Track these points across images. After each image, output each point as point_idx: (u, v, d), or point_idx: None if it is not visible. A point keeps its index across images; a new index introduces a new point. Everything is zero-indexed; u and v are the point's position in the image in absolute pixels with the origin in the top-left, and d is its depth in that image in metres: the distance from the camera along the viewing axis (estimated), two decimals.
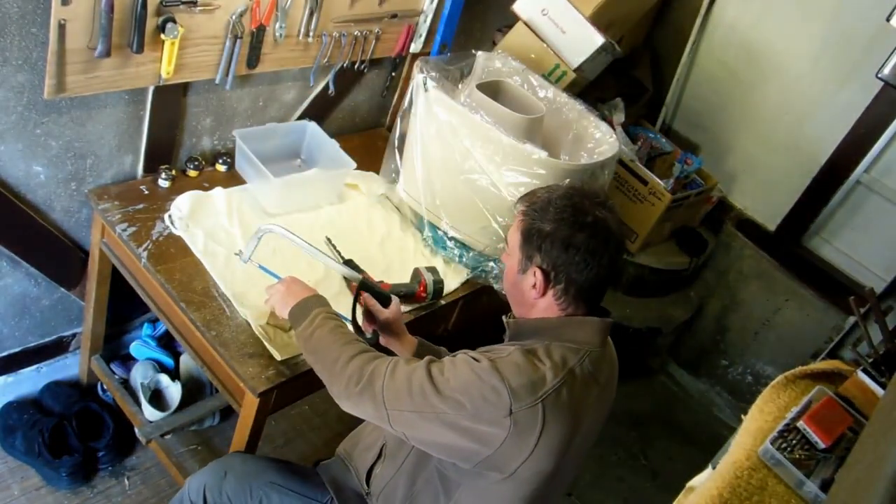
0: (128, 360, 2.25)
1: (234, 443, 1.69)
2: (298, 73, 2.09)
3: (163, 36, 1.59)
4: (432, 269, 1.86)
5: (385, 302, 1.61)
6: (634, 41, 2.92)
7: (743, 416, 1.43)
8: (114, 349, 2.24)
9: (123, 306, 2.13)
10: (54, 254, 1.91)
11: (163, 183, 1.88)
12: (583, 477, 2.65)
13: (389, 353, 1.58)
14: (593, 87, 2.41)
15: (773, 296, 2.95)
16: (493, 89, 1.97)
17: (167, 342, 2.29)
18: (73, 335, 2.16)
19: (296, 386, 1.61)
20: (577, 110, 2.06)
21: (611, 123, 2.22)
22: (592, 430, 1.39)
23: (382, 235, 2.02)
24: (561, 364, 1.27)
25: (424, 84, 1.83)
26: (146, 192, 1.86)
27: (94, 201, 1.79)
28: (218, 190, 1.90)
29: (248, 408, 1.59)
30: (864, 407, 1.42)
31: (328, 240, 1.91)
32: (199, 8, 1.63)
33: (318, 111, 2.25)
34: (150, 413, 2.05)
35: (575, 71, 2.17)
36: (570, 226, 1.30)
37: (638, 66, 2.98)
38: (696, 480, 1.38)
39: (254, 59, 1.84)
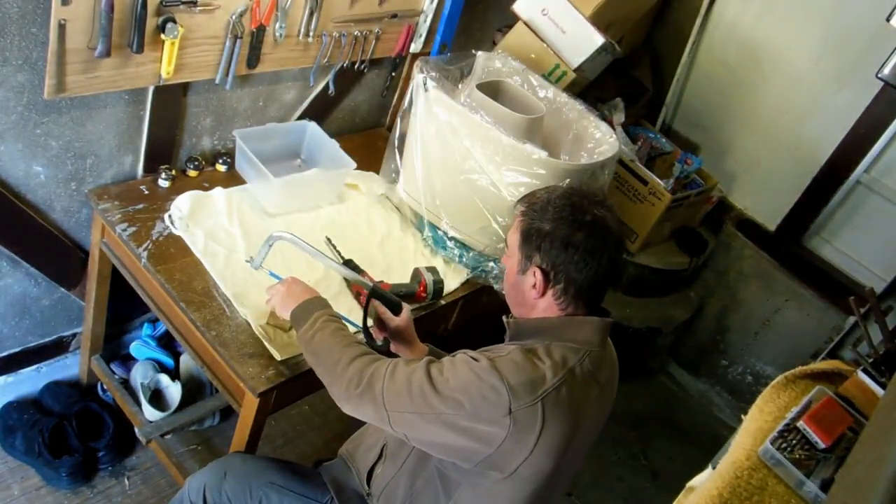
0: (128, 360, 2.25)
1: (234, 443, 1.69)
2: (298, 73, 2.09)
3: (163, 36, 1.59)
4: (432, 269, 1.86)
5: (396, 309, 1.60)
6: (634, 41, 2.92)
7: (743, 416, 1.43)
8: (114, 349, 2.24)
9: (123, 306, 2.13)
10: (54, 254, 1.91)
11: (163, 183, 1.88)
12: (583, 477, 2.65)
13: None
14: (593, 87, 2.41)
15: (773, 296, 2.95)
16: (493, 89, 1.97)
17: (167, 342, 2.29)
18: (73, 335, 2.16)
19: (296, 386, 1.61)
20: (577, 110, 2.06)
21: (611, 123, 2.22)
22: (593, 430, 1.39)
23: (382, 235, 2.02)
24: (561, 363, 1.27)
25: (424, 84, 1.83)
26: (146, 192, 1.86)
27: (94, 201, 1.79)
28: (218, 190, 1.90)
29: (248, 408, 1.59)
30: (864, 407, 1.42)
31: (328, 240, 1.91)
32: (199, 8, 1.63)
33: (318, 111, 2.25)
34: (150, 413, 2.05)
35: (575, 71, 2.17)
36: (568, 225, 1.30)
37: (638, 66, 2.98)
38: (696, 480, 1.38)
39: (254, 59, 1.85)
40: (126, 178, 1.90)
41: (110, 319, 2.09)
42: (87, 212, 1.89)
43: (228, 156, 2.03)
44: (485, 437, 1.22)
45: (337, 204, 2.06)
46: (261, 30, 1.79)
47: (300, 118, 2.19)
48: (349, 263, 1.83)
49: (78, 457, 1.99)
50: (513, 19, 2.22)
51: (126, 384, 2.17)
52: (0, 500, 1.94)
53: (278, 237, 1.57)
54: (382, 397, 1.28)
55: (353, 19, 2.00)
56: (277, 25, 1.82)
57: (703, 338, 3.20)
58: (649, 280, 2.92)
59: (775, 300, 2.94)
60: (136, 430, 2.01)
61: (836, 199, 2.74)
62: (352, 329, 1.51)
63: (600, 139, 2.01)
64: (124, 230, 1.73)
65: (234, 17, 1.71)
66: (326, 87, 2.19)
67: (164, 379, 2.17)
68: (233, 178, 2.00)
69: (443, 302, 1.91)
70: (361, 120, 2.46)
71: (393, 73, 2.37)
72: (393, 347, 1.60)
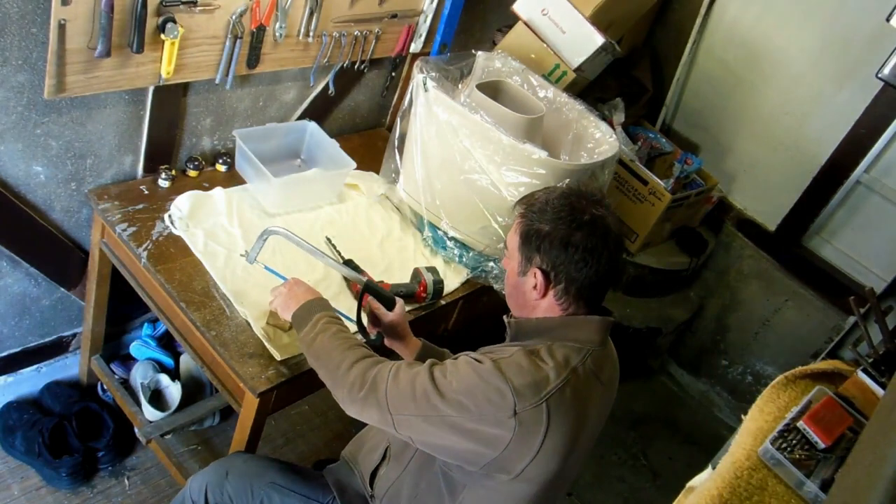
0: (128, 360, 2.25)
1: (234, 443, 1.69)
2: (298, 73, 2.09)
3: (163, 36, 1.59)
4: (432, 269, 1.86)
5: (389, 304, 1.61)
6: (634, 41, 2.92)
7: (743, 416, 1.43)
8: (114, 349, 2.24)
9: (123, 306, 2.13)
10: (54, 254, 1.91)
11: (163, 183, 1.88)
12: (583, 477, 2.65)
13: (393, 354, 1.59)
14: (593, 87, 2.41)
15: (773, 296, 2.95)
16: (493, 89, 1.97)
17: (167, 342, 2.29)
18: (73, 335, 2.16)
19: (296, 386, 1.61)
20: (577, 110, 2.06)
21: (611, 123, 2.22)
22: (596, 429, 1.39)
23: (382, 235, 2.02)
24: (564, 363, 1.28)
25: (424, 84, 1.83)
26: (146, 192, 1.86)
27: (94, 201, 1.79)
28: (218, 190, 1.90)
29: (248, 408, 1.59)
30: (864, 407, 1.42)
31: (328, 240, 1.91)
32: (199, 8, 1.63)
33: (318, 111, 2.25)
34: (150, 413, 2.05)
35: (575, 71, 2.17)
36: (567, 225, 1.30)
37: (638, 66, 2.98)
38: (696, 480, 1.38)
39: (254, 59, 1.85)
40: (126, 178, 1.90)
41: (110, 319, 2.09)
42: (87, 212, 1.89)
43: (228, 156, 2.03)
44: (490, 439, 1.22)
45: (337, 204, 2.06)
46: (261, 30, 1.79)
47: (300, 118, 2.19)
48: (349, 263, 1.83)
49: (78, 457, 1.99)
50: (513, 19, 2.22)
51: (126, 384, 2.17)
52: (0, 500, 1.94)
53: (273, 231, 1.57)
54: (386, 401, 1.28)
55: (353, 19, 2.00)
56: (277, 25, 1.82)
57: (703, 338, 3.20)
58: (649, 280, 2.92)
59: (775, 300, 2.94)
60: (136, 430, 2.01)
61: (836, 199, 2.74)
62: (349, 325, 1.51)
63: (600, 139, 2.01)
64: (124, 230, 1.73)
65: (234, 17, 1.71)
66: (326, 87, 2.19)
67: (164, 379, 2.17)
68: (233, 178, 2.00)
69: (443, 302, 1.91)
70: (361, 120, 2.46)
71: (393, 73, 2.37)
72: (386, 342, 1.61)
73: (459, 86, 2.03)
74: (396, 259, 1.96)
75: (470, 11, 2.32)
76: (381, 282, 1.79)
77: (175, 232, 1.76)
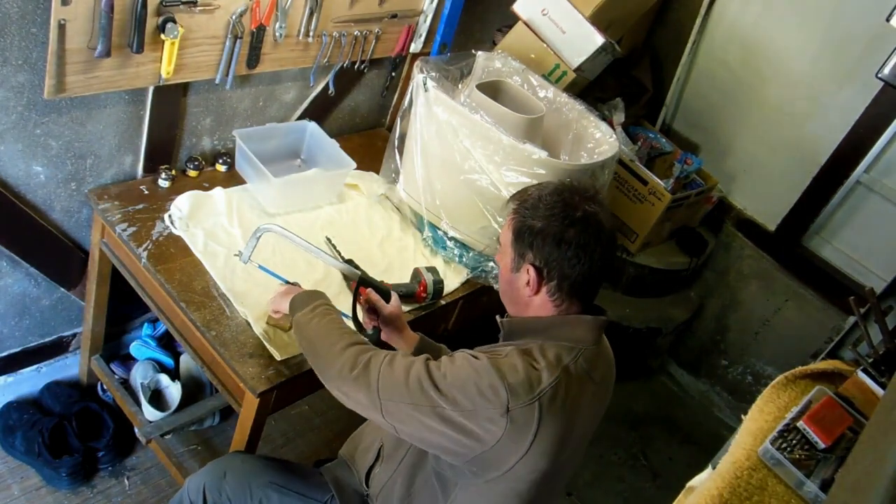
0: (128, 360, 2.25)
1: (234, 443, 1.69)
2: (298, 73, 2.09)
3: (163, 36, 1.59)
4: (432, 269, 1.86)
5: (385, 297, 1.61)
6: (634, 41, 2.92)
7: (743, 416, 1.43)
8: (114, 349, 2.24)
9: (123, 306, 2.13)
10: (54, 254, 1.91)
11: (163, 183, 1.88)
12: (583, 477, 2.65)
13: (390, 348, 1.59)
14: (593, 87, 2.41)
15: (773, 296, 2.95)
16: (493, 89, 1.97)
17: (167, 342, 2.29)
18: (73, 335, 2.16)
19: (296, 386, 1.61)
20: (577, 110, 2.06)
21: (611, 123, 2.22)
22: (588, 428, 1.39)
23: (382, 235, 2.02)
24: (555, 362, 1.28)
25: (424, 84, 1.83)
26: (146, 192, 1.86)
27: (94, 201, 1.79)
28: (218, 190, 1.90)
29: (248, 408, 1.59)
30: (864, 407, 1.42)
31: (328, 240, 1.91)
32: (199, 8, 1.63)
33: (318, 111, 2.25)
34: (150, 413, 2.05)
35: (575, 71, 2.17)
36: (560, 221, 1.30)
37: (638, 66, 2.98)
38: (696, 480, 1.38)
39: (254, 59, 1.85)
40: (126, 178, 1.90)
41: (110, 319, 2.09)
42: (87, 212, 1.89)
43: (228, 156, 2.03)
44: (480, 434, 1.22)
45: (337, 204, 2.06)
46: (261, 30, 1.79)
47: (300, 118, 2.19)
48: (350, 263, 1.83)
49: (78, 457, 1.99)
50: (513, 19, 2.22)
51: (126, 384, 2.17)
52: (0, 500, 1.94)
53: (266, 229, 1.56)
54: (378, 384, 1.26)
55: (353, 19, 2.00)
56: (277, 25, 1.82)
57: (703, 338, 3.20)
58: (649, 280, 2.92)
59: (775, 300, 2.94)
60: (136, 430, 2.01)
61: (836, 199, 2.74)
62: (347, 323, 1.51)
63: (600, 139, 2.01)
64: (124, 230, 1.73)
65: (234, 17, 1.71)
66: (326, 87, 2.19)
67: (164, 379, 2.17)
68: (233, 178, 2.00)
69: (443, 302, 1.91)
70: (361, 120, 2.46)
71: (393, 73, 2.37)
72: (384, 336, 1.60)
73: (459, 86, 2.03)
74: (396, 259, 1.96)
75: (470, 11, 2.32)
76: (381, 282, 1.78)
77: (175, 232, 1.76)
